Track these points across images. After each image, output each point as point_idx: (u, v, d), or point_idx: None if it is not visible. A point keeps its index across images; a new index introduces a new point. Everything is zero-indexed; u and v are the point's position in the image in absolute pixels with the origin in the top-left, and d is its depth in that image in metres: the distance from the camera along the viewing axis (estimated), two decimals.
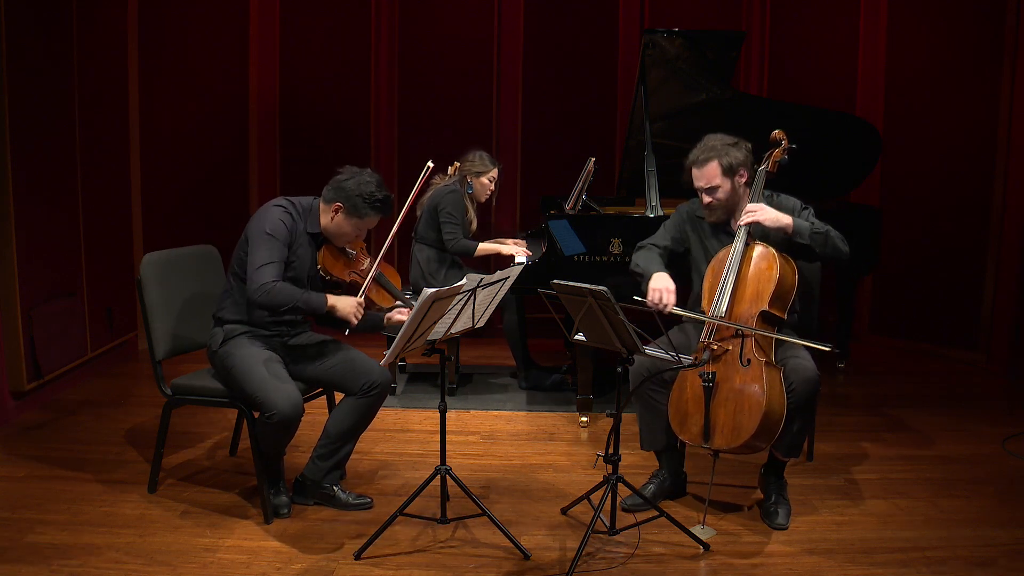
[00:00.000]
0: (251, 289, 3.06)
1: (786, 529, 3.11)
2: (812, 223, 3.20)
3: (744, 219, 3.16)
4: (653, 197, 4.33)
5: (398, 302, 3.38)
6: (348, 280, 3.30)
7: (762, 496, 3.31)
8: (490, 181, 4.76)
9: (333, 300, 3.14)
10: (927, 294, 5.60)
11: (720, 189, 3.24)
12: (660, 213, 4.28)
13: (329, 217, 3.20)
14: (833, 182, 5.05)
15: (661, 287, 3.21)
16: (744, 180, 3.26)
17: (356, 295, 3.20)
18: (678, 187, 4.71)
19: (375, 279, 3.32)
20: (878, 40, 5.70)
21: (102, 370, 5.01)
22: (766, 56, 6.03)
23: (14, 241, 4.10)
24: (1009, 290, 5.15)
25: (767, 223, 3.15)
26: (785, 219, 3.15)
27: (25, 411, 4.26)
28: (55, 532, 3.04)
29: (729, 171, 3.23)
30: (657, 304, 3.17)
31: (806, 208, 3.31)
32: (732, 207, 3.28)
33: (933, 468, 3.75)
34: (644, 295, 3.23)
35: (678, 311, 3.18)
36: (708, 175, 3.23)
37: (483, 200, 4.83)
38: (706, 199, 3.27)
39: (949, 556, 2.95)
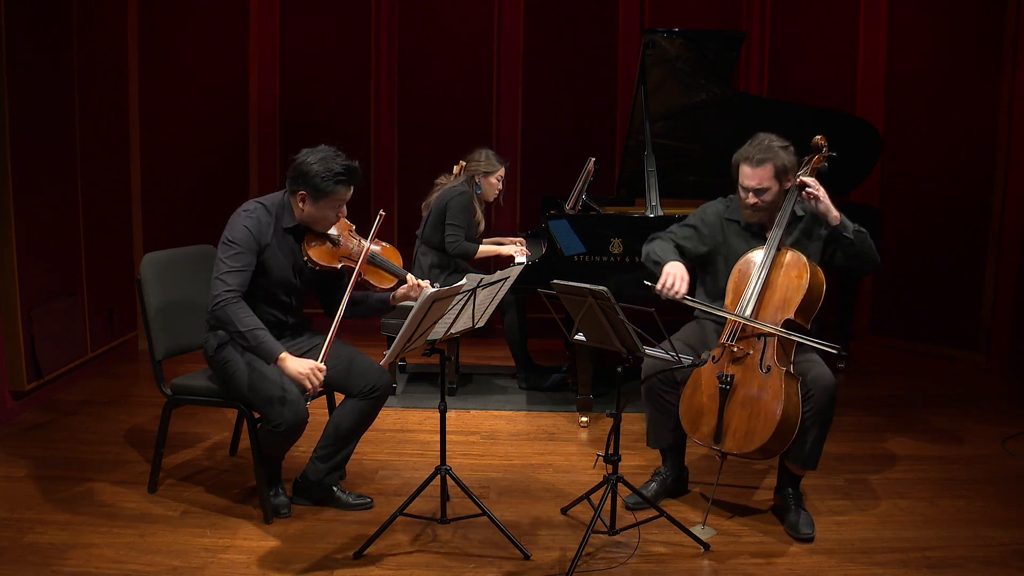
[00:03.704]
0: (209, 298, 2.97)
1: (812, 540, 3.06)
2: (853, 224, 3.19)
3: (807, 191, 3.12)
4: (653, 197, 4.33)
5: (399, 280, 3.24)
6: (339, 267, 3.16)
7: (775, 503, 3.29)
8: (498, 180, 4.75)
9: (286, 356, 2.91)
10: (927, 294, 5.60)
11: (769, 191, 3.19)
12: (660, 213, 4.28)
13: (300, 208, 3.09)
14: (833, 182, 5.02)
15: (674, 272, 3.15)
16: (789, 185, 3.23)
17: (350, 280, 3.07)
18: (678, 187, 4.76)
19: (370, 260, 3.18)
20: (878, 40, 5.70)
21: (102, 370, 5.01)
22: (766, 56, 6.03)
23: (14, 241, 4.10)
24: (1009, 290, 5.15)
25: (820, 206, 3.12)
26: (835, 211, 3.13)
27: (25, 411, 4.26)
28: (55, 532, 3.04)
29: (782, 174, 3.19)
30: (669, 289, 3.11)
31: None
32: (774, 211, 3.24)
33: (933, 468, 3.75)
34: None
35: (689, 300, 3.14)
36: (762, 176, 3.17)
37: (491, 200, 4.83)
38: (752, 200, 3.21)
39: (949, 556, 2.96)
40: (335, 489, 3.29)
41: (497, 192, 4.79)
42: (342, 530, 3.12)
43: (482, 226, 4.78)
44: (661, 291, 3.14)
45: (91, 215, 4.81)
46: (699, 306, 3.17)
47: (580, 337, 3.04)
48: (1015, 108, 5.06)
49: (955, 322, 5.48)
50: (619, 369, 2.94)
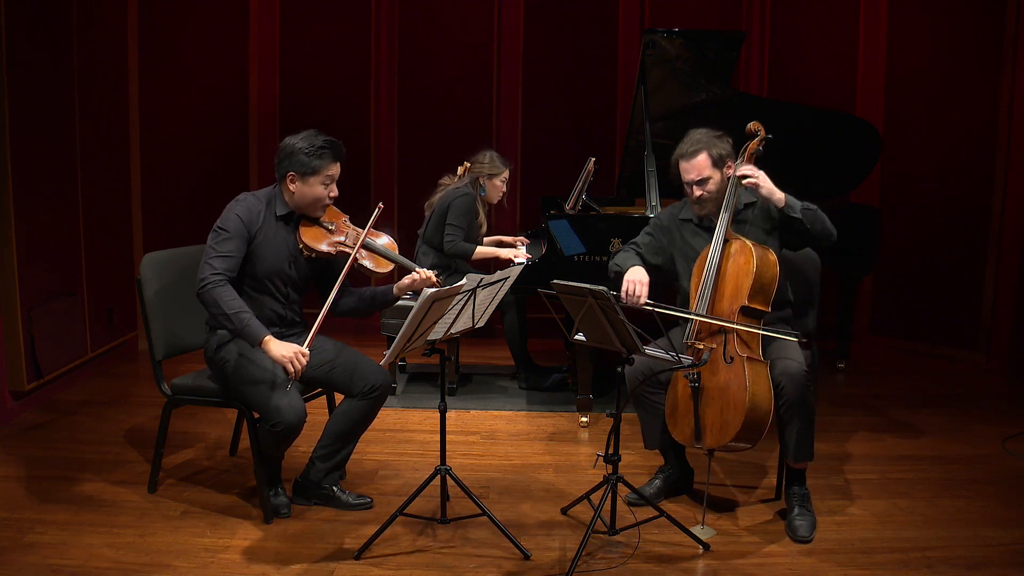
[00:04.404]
0: (196, 281, 2.99)
1: (809, 542, 3.05)
2: (801, 202, 3.19)
3: (746, 180, 3.13)
4: (653, 197, 4.33)
5: (397, 266, 3.25)
6: (335, 253, 3.16)
7: (785, 504, 3.28)
8: (502, 183, 4.75)
9: (271, 339, 2.93)
10: (927, 294, 5.60)
11: (711, 180, 3.24)
12: None
13: (290, 192, 3.12)
14: (833, 182, 5.05)
15: (634, 279, 3.21)
16: (731, 172, 3.26)
17: (344, 264, 3.10)
18: (678, 187, 4.75)
19: (366, 246, 3.18)
20: (878, 40, 5.70)
21: (102, 370, 5.01)
22: (766, 56, 6.03)
23: (14, 241, 4.10)
24: (1009, 290, 5.15)
25: (763, 190, 3.14)
26: (779, 192, 3.15)
27: (25, 411, 4.26)
28: (55, 532, 3.04)
29: (719, 162, 3.24)
30: (630, 296, 3.16)
31: None
32: (721, 200, 3.27)
33: (933, 468, 3.75)
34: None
35: (651, 305, 3.14)
36: (699, 167, 3.23)
37: (495, 202, 4.82)
38: (697, 192, 3.26)
39: (949, 556, 2.96)
40: (335, 489, 3.29)
41: (501, 194, 4.79)
42: (342, 530, 3.12)
43: (484, 228, 4.78)
44: (625, 300, 3.17)
45: (91, 215, 4.81)
46: (660, 310, 3.11)
47: (580, 337, 3.04)
48: (1015, 108, 5.06)
49: (955, 322, 5.48)
50: (619, 369, 2.95)
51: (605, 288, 2.72)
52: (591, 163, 4.73)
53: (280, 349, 2.92)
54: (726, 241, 3.17)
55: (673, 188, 4.66)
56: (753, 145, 3.29)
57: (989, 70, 5.18)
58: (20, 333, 4.15)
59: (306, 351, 2.94)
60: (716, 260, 3.15)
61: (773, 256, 3.14)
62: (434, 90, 5.99)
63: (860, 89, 5.80)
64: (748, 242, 3.15)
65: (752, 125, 3.32)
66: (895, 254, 5.63)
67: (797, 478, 3.20)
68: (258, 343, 2.94)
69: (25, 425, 4.12)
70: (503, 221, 6.01)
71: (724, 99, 4.68)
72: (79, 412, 4.34)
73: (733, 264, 3.14)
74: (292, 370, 2.91)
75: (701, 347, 3.07)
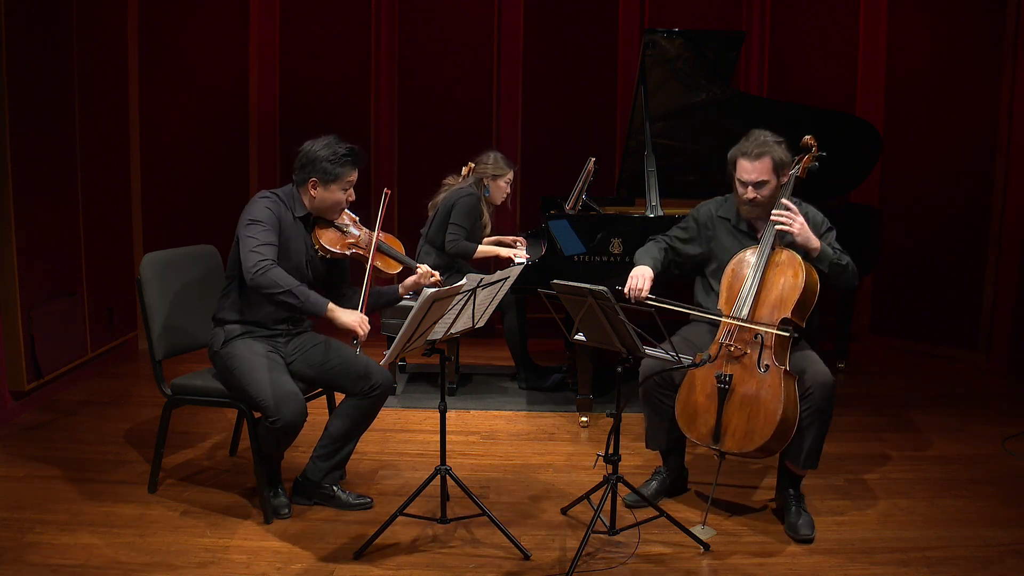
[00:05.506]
0: (246, 270, 3.01)
1: (811, 541, 3.06)
2: (834, 250, 3.19)
3: (780, 226, 3.12)
4: (653, 197, 4.33)
5: (405, 266, 3.35)
6: (350, 254, 3.26)
7: (776, 506, 3.29)
8: (507, 184, 4.76)
9: (336, 308, 3.04)
10: (927, 294, 5.60)
11: (768, 185, 3.21)
12: (660, 213, 4.29)
13: (310, 196, 3.20)
14: (833, 182, 5.03)
15: (639, 274, 3.24)
16: (785, 180, 3.25)
17: (364, 265, 3.20)
18: (678, 187, 4.76)
19: (379, 248, 3.27)
20: (878, 40, 5.70)
21: (102, 370, 5.01)
22: (766, 56, 6.03)
23: (14, 241, 4.10)
24: (1009, 290, 5.15)
25: (798, 238, 3.12)
26: (815, 241, 3.13)
27: (25, 411, 4.26)
28: (55, 532, 3.05)
29: (779, 168, 3.22)
30: (632, 290, 3.20)
31: (831, 229, 3.29)
32: (770, 206, 3.25)
33: (933, 468, 3.75)
34: None
35: (651, 300, 3.14)
36: (760, 169, 3.19)
37: (499, 203, 4.84)
38: (751, 193, 3.22)
39: (949, 556, 2.96)
40: (335, 489, 3.29)
41: (505, 196, 4.80)
42: (342, 530, 3.12)
43: (488, 229, 4.78)
44: (627, 294, 3.20)
45: (91, 215, 4.81)
46: (660, 305, 3.09)
47: (580, 337, 3.04)
48: (1015, 108, 5.06)
49: (955, 322, 5.48)
50: (619, 369, 2.94)
51: (605, 288, 2.72)
52: (591, 163, 4.72)
53: (347, 316, 3.03)
54: (773, 248, 3.16)
55: (674, 188, 4.70)
56: (807, 159, 3.28)
57: (989, 70, 5.18)
58: (20, 333, 4.15)
59: (366, 316, 3.06)
60: (763, 266, 3.13)
61: (816, 274, 3.13)
62: (434, 90, 5.99)
63: (860, 89, 5.80)
64: (797, 255, 3.14)
65: (807, 139, 3.29)
66: (895, 254, 5.63)
67: (794, 481, 3.19)
68: (324, 311, 3.03)
69: (25, 425, 4.12)
70: (503, 221, 6.00)
71: (724, 99, 4.68)
72: (79, 412, 4.34)
73: (780, 274, 3.13)
74: (362, 333, 3.02)
75: (734, 349, 3.07)
